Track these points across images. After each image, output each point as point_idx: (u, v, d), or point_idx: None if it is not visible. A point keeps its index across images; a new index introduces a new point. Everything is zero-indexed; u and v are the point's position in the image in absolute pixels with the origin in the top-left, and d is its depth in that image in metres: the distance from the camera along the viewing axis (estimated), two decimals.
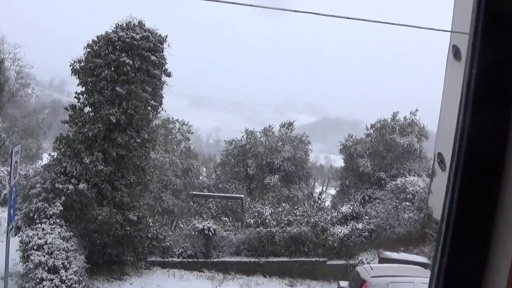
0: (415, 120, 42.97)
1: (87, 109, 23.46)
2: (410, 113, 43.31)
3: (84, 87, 23.31)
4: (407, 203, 32.58)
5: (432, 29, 19.38)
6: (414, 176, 37.34)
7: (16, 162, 14.40)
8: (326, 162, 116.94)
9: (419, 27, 18.99)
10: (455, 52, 27.24)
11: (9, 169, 14.51)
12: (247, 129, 42.57)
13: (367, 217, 30.64)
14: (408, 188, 33.77)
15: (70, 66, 23.19)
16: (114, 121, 22.29)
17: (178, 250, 26.06)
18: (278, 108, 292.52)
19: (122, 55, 22.72)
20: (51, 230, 20.32)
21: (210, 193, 34.66)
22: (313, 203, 32.12)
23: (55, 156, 23.43)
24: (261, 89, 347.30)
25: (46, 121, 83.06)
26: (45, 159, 28.50)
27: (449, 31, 26.86)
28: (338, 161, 58.65)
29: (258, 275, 26.18)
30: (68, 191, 21.44)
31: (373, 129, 43.79)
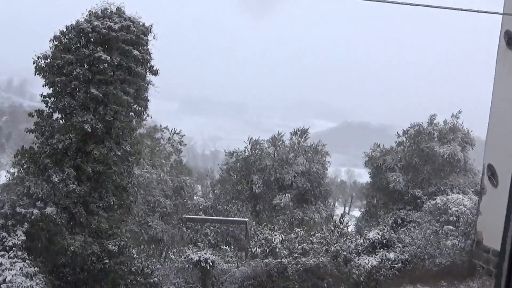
0: (458, 125, 42.72)
1: (56, 115, 23.25)
2: (451, 116, 43.06)
3: (51, 89, 23.09)
4: (450, 227, 32.30)
5: (478, 11, 19.15)
6: (458, 193, 37.09)
7: None
8: (348, 177, 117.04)
9: (460, 9, 18.76)
10: (508, 39, 26.99)
11: None
12: (251, 138, 42.49)
13: (400, 244, 30.35)
14: (450, 209, 33.47)
15: (34, 63, 22.97)
16: (89, 130, 22.11)
17: (169, 287, 25.86)
18: (288, 112, 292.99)
19: (98, 49, 22.52)
20: (11, 265, 20.16)
21: (207, 217, 34.60)
22: (333, 228, 31.89)
23: (15, 174, 23.13)
24: (267, 89, 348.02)
25: (3, 130, 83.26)
26: (3, 177, 28.36)
27: (500, 14, 26.54)
28: (363, 176, 58.58)
29: None
30: (33, 217, 21.24)
31: (406, 136, 43.64)
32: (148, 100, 24.57)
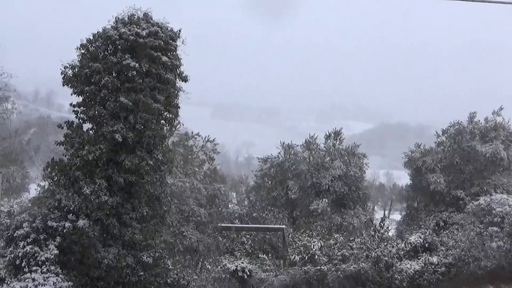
0: (500, 122, 42.23)
1: (86, 126, 23.25)
2: (492, 113, 42.61)
3: (80, 98, 23.11)
4: (495, 228, 31.95)
5: None
6: (502, 193, 36.72)
7: None
8: (387, 179, 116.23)
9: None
10: None
11: None
12: (283, 143, 42.35)
13: (443, 248, 30.06)
14: (494, 209, 33.14)
15: (62, 73, 22.97)
16: (120, 139, 22.06)
17: None
18: (323, 115, 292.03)
19: (126, 56, 22.45)
20: (45, 280, 20.17)
21: (243, 225, 34.45)
22: (373, 233, 31.74)
23: (46, 187, 23.18)
24: (301, 92, 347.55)
25: (32, 142, 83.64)
26: (33, 190, 28.52)
27: None
28: (403, 178, 58.10)
29: None
30: (65, 230, 21.24)
31: (446, 135, 43.33)
32: (179, 107, 24.46)
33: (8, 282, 20.44)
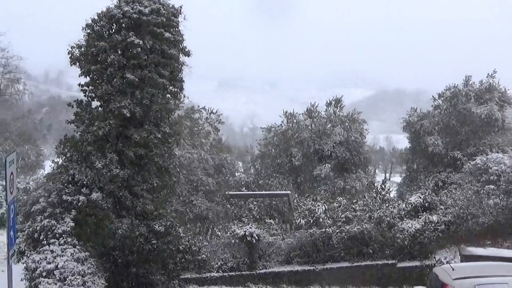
0: (494, 84, 42.19)
1: (94, 103, 23.26)
2: (486, 76, 42.53)
3: (88, 77, 23.10)
4: (491, 186, 32.04)
5: None
6: (498, 152, 36.87)
7: (12, 173, 14.24)
8: (387, 144, 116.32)
9: None
10: None
11: (4, 183, 14.37)
12: (286, 112, 42.32)
13: (442, 207, 30.09)
14: (491, 168, 33.23)
15: (69, 53, 22.92)
16: (128, 115, 22.08)
17: (217, 263, 25.94)
18: (324, 84, 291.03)
19: (130, 34, 22.36)
20: (62, 252, 20.27)
21: (249, 192, 34.51)
22: (375, 195, 31.76)
23: (59, 163, 23.21)
24: (302, 63, 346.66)
25: (44, 121, 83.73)
26: (48, 167, 28.63)
27: None
28: (402, 142, 58.25)
29: (314, 285, 26.00)
30: (79, 203, 21.33)
31: (442, 99, 43.31)
32: (184, 81, 24.41)
33: (28, 255, 20.55)
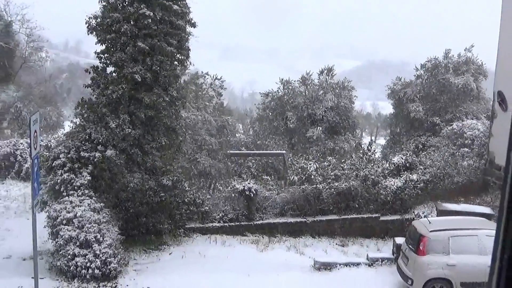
0: (471, 58, 42.19)
1: (109, 69, 23.32)
2: (464, 50, 42.49)
3: (103, 45, 23.15)
4: (466, 149, 32.32)
5: None
6: (472, 119, 37.02)
7: (35, 131, 14.32)
8: (373, 109, 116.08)
9: None
10: None
11: (28, 141, 14.47)
12: (282, 79, 42.26)
13: (421, 167, 30.24)
14: (466, 133, 33.50)
15: (86, 23, 23.00)
16: (139, 80, 22.17)
17: (219, 215, 26.11)
18: (316, 54, 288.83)
19: (141, 6, 22.39)
20: (80, 202, 20.51)
21: (248, 151, 34.65)
22: (361, 155, 31.81)
23: (78, 123, 23.37)
24: (296, 34, 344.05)
25: (64, 86, 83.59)
26: (67, 127, 28.74)
27: None
28: (387, 108, 58.07)
29: (306, 235, 26.15)
30: (95, 159, 21.53)
31: (424, 69, 43.25)
32: (190, 50, 24.44)
33: (50, 205, 20.82)
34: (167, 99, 23.01)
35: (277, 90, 42.12)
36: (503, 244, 2.14)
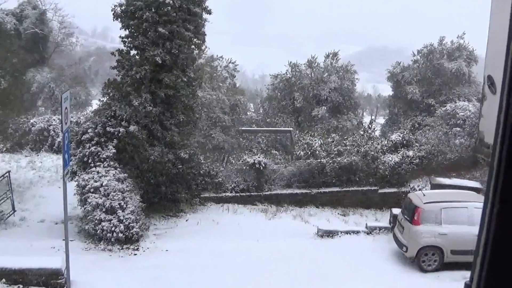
0: (463, 44, 42.05)
1: (132, 52, 23.32)
2: (457, 37, 42.32)
3: (127, 31, 23.15)
4: (458, 129, 32.25)
5: None
6: (464, 101, 36.89)
7: (66, 108, 14.37)
8: (373, 91, 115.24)
9: None
10: None
11: (60, 117, 14.56)
12: (290, 62, 42.14)
13: (417, 144, 30.15)
14: (458, 114, 33.41)
15: (111, 10, 23.01)
16: (160, 62, 22.15)
17: (231, 185, 26.18)
18: (320, 40, 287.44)
19: None
20: (106, 173, 20.65)
21: (258, 128, 34.60)
22: (362, 133, 31.75)
23: (104, 101, 23.44)
24: (302, 21, 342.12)
25: (92, 68, 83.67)
26: (95, 105, 28.84)
27: None
28: (386, 90, 57.75)
29: (310, 206, 26.21)
30: (120, 134, 21.61)
31: (420, 55, 43.14)
32: (205, 35, 24.36)
33: (79, 175, 20.99)
34: (185, 79, 23.02)
35: (285, 73, 42.04)
36: (490, 216, 2.14)
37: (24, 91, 43.48)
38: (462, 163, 29.50)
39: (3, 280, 14.66)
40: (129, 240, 19.52)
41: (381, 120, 61.59)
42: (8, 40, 45.44)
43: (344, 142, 28.91)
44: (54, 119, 34.92)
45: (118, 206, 19.62)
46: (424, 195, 19.67)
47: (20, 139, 34.89)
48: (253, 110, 44.04)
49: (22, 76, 43.38)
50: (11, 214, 21.68)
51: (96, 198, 19.75)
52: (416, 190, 23.59)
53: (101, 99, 24.20)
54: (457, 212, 18.15)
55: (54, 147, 33.60)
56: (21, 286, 14.73)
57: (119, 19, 23.06)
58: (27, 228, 20.75)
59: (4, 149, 33.79)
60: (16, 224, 21.04)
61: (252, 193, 26.11)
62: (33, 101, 46.54)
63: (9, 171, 23.48)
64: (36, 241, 18.73)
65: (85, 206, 20.00)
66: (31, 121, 35.64)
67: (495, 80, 27.57)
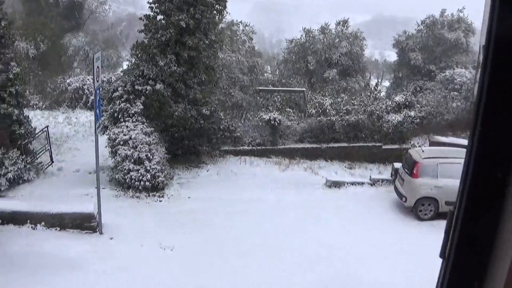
0: (462, 17, 41.64)
1: (159, 17, 23.04)
2: (457, 10, 41.94)
3: None
4: (455, 93, 32.14)
5: None
6: (462, 68, 36.64)
7: (98, 67, 14.30)
8: (380, 57, 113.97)
9: None
10: None
11: (93, 76, 14.53)
12: (305, 28, 41.69)
13: (418, 105, 29.86)
14: (456, 79, 33.30)
15: None
16: (184, 26, 21.86)
17: (248, 140, 26.15)
18: (333, 9, 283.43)
19: None
20: (134, 127, 20.62)
21: (274, 88, 34.32)
22: (369, 94, 31.54)
23: (133, 62, 23.32)
24: None
25: (123, 33, 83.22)
26: (125, 66, 28.74)
27: None
28: (392, 56, 57.24)
29: (320, 159, 26.17)
30: (147, 92, 21.52)
31: (423, 25, 42.73)
32: (226, 1, 23.99)
33: (110, 129, 21.00)
34: (207, 42, 22.73)
35: (300, 38, 41.60)
36: (467, 165, 2.22)
37: (61, 54, 43.68)
38: (458, 123, 29.34)
39: (43, 223, 14.92)
40: (155, 188, 19.62)
41: (386, 83, 60.98)
42: (47, 8, 45.45)
43: (352, 102, 28.72)
44: (88, 79, 34.99)
45: (145, 157, 19.66)
46: (423, 151, 19.68)
47: (58, 97, 35.13)
48: (269, 72, 43.61)
49: (60, 40, 43.55)
50: (50, 165, 21.92)
51: (125, 150, 19.78)
52: (416, 147, 23.53)
53: (130, 60, 24.06)
54: (452, 167, 18.01)
55: (88, 104, 33.74)
56: (58, 228, 14.98)
57: None
58: (64, 177, 20.93)
59: (44, 106, 34.01)
60: (54, 174, 21.25)
61: (267, 147, 26.07)
62: (69, 63, 46.66)
63: (47, 126, 23.68)
64: (71, 189, 18.91)
65: (115, 157, 20.08)
66: (68, 81, 35.86)
67: None
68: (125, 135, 20.24)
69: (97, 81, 14.55)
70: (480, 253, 2.11)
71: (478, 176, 2.14)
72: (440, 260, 2.34)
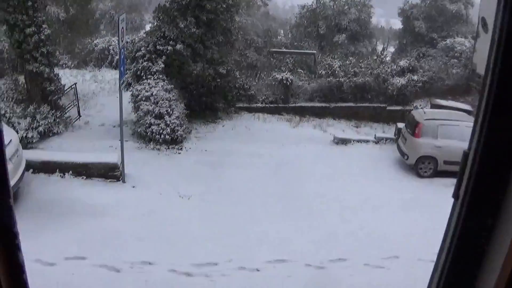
0: None
1: None
2: None
3: None
4: (455, 60, 32.28)
5: None
6: (461, 37, 36.39)
7: (122, 28, 14.05)
8: (386, 24, 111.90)
9: None
10: None
11: (118, 37, 14.33)
12: None
13: (421, 70, 29.39)
14: (456, 48, 33.52)
15: None
16: None
17: (261, 98, 25.80)
18: None
19: None
20: (156, 84, 20.38)
21: (287, 50, 33.77)
22: (375, 58, 31.11)
23: (155, 24, 22.92)
24: None
25: None
26: (148, 28, 28.43)
27: None
28: (397, 24, 56.07)
29: (328, 117, 25.89)
30: (168, 51, 21.19)
31: None
32: None
33: (133, 86, 20.78)
34: (225, 6, 22.28)
35: (311, 4, 40.90)
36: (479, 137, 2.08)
37: (89, 17, 43.31)
38: (457, 89, 29.39)
39: (70, 171, 14.97)
40: (174, 141, 19.50)
41: (391, 49, 60.11)
42: None
43: (360, 65, 28.26)
44: (113, 41, 34.70)
45: (165, 112, 19.49)
46: (424, 113, 19.80)
47: (85, 57, 35.06)
48: (282, 35, 42.89)
49: (88, 5, 43.13)
50: (77, 119, 21.90)
51: (147, 106, 19.59)
52: (418, 109, 23.41)
53: (152, 22, 23.66)
54: (450, 129, 18.21)
55: (113, 64, 33.50)
56: (84, 177, 15.04)
57: None
58: (90, 130, 20.91)
59: (72, 65, 33.99)
60: (81, 127, 21.24)
61: (279, 105, 25.76)
62: (96, 25, 46.20)
63: (75, 83, 23.66)
64: (97, 141, 18.89)
65: (138, 112, 19.91)
66: (94, 42, 35.78)
67: (487, 21, 27.24)
68: (147, 91, 20.00)
69: (122, 41, 14.40)
70: (495, 191, 2.02)
71: (492, 121, 2.01)
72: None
